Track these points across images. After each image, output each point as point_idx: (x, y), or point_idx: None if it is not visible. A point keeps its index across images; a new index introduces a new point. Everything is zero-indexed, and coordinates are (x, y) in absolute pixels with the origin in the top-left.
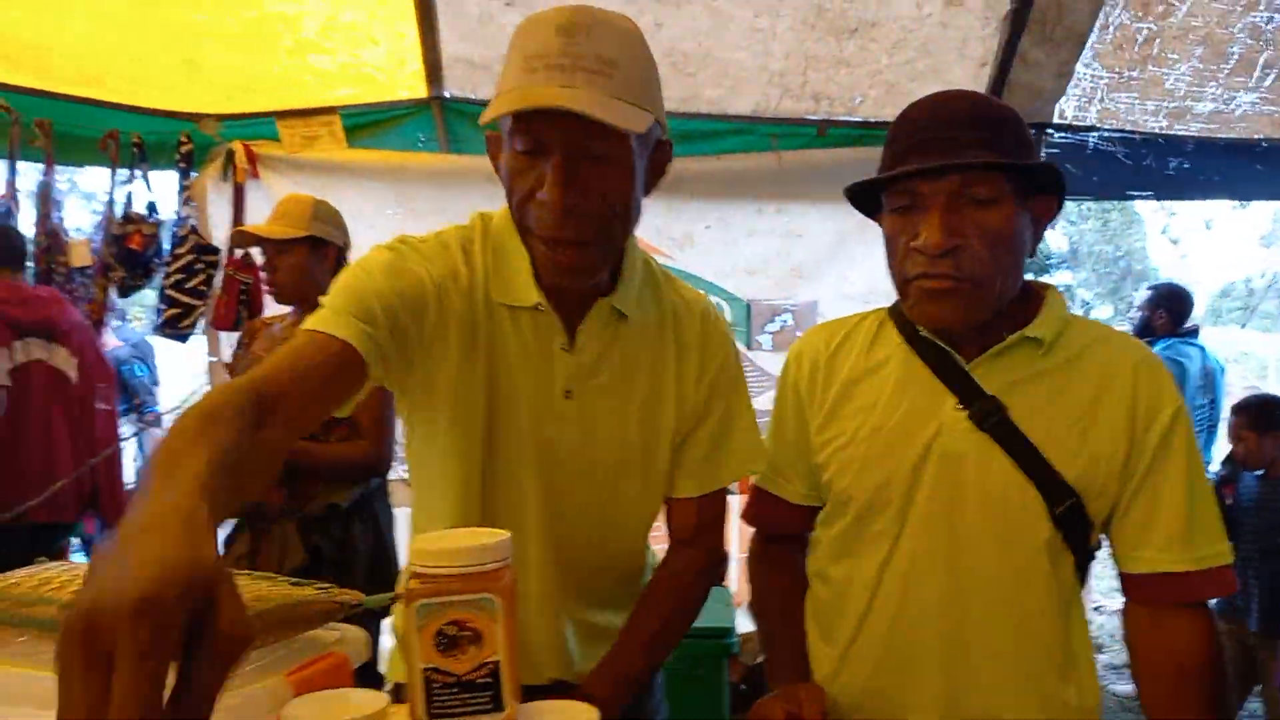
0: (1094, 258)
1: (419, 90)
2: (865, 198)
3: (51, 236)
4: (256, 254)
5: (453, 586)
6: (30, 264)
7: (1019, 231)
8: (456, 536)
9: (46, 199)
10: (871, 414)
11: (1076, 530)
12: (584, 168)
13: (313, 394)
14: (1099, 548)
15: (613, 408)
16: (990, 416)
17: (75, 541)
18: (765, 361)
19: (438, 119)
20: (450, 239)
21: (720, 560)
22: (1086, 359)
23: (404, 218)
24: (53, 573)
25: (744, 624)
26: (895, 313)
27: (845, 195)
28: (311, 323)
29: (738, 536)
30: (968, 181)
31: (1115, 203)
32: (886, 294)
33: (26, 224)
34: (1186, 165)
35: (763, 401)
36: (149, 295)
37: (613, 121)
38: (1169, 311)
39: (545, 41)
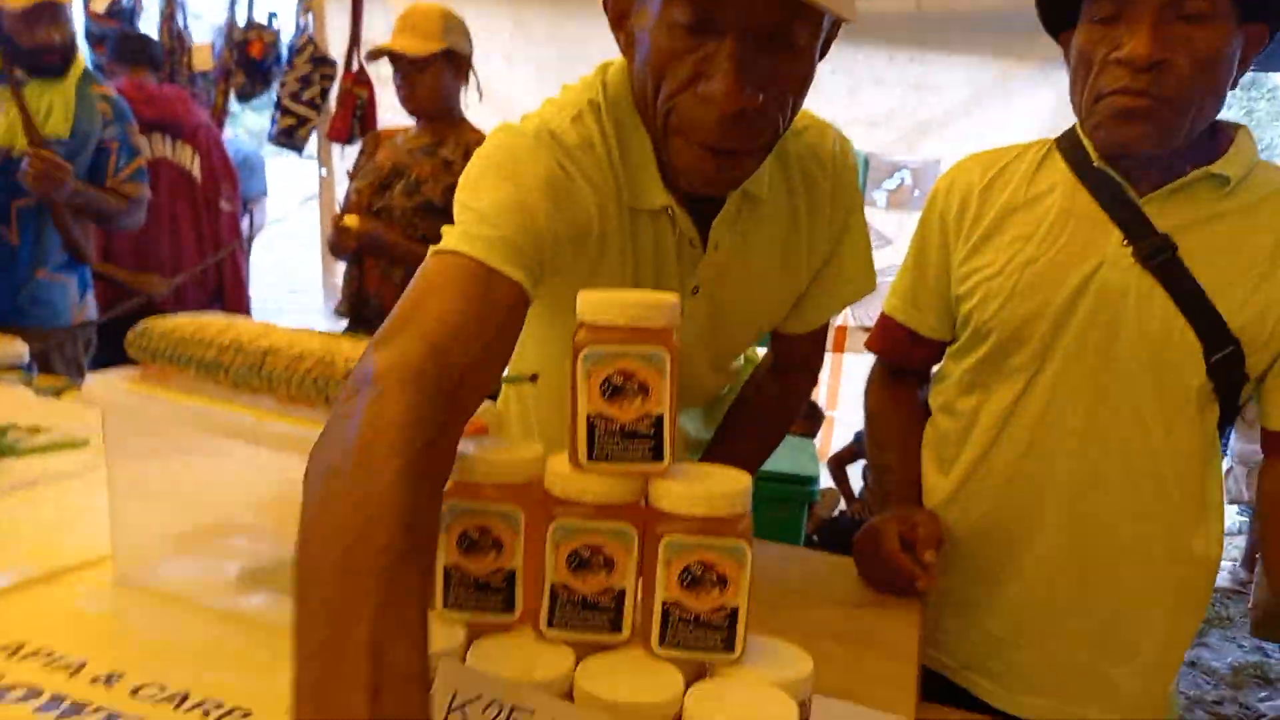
0: None
1: None
2: (1054, 9)
3: (176, 39)
4: (373, 69)
5: (622, 338)
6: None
7: (1229, 56)
8: (629, 293)
9: (172, 1)
10: (1026, 245)
11: (1229, 381)
12: (764, 56)
13: (498, 359)
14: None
15: (741, 296)
16: (1158, 254)
17: None
18: (878, 220)
19: None
20: (589, 126)
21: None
22: (1274, 204)
23: (518, 42)
24: (208, 319)
25: (824, 479)
26: (1065, 142)
27: (1036, 3)
28: (471, 246)
29: (826, 392)
30: None
31: (1264, 90)
32: None
33: (148, 26)
34: None
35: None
36: (249, 115)
37: (831, 7)
38: None
39: None
